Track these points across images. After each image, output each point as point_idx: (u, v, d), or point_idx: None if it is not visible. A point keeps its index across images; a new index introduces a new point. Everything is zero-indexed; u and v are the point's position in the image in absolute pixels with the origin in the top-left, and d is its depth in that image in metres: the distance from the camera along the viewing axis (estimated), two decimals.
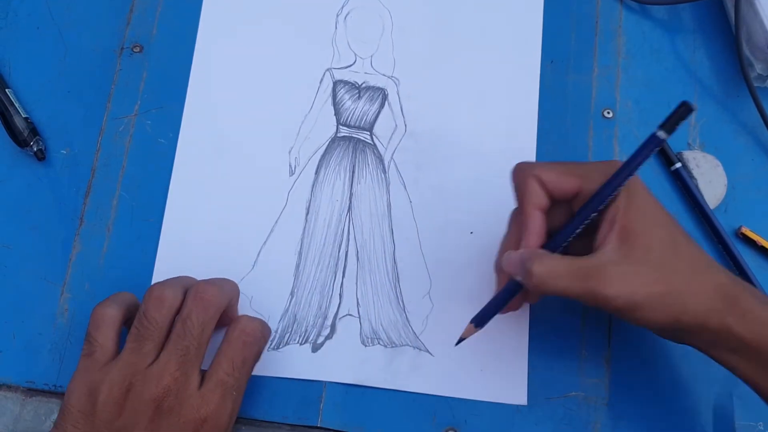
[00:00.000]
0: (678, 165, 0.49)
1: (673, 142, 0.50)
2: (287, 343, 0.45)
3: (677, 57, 0.53)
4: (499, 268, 0.42)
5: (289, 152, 0.49)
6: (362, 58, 0.52)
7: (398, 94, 0.51)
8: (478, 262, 0.47)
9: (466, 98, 0.51)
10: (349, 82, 0.51)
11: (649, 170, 0.50)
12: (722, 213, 0.49)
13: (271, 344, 0.45)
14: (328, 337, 0.45)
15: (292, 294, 0.46)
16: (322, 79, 0.51)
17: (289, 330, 0.45)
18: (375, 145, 0.50)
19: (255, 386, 0.43)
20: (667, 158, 0.50)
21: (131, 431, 0.37)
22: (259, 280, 0.46)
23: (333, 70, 0.51)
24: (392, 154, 0.50)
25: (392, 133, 0.50)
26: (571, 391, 0.45)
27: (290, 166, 0.49)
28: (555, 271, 0.37)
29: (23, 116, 0.49)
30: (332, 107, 0.50)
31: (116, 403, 0.37)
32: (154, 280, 0.46)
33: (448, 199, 0.49)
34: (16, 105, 0.49)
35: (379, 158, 0.49)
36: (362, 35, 0.52)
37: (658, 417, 0.45)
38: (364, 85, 0.51)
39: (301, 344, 0.45)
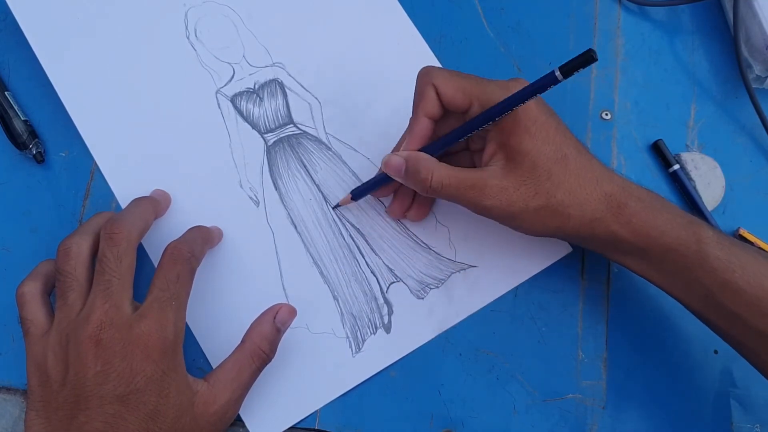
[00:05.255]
0: (676, 167, 0.49)
1: (672, 143, 0.50)
2: (364, 340, 0.46)
3: (676, 58, 0.53)
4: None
5: (241, 186, 0.48)
6: (237, 63, 0.51)
7: (291, 75, 0.51)
8: None
9: (349, 42, 0.52)
10: (243, 92, 0.50)
11: (647, 172, 0.50)
12: (720, 215, 0.49)
13: (354, 350, 0.45)
14: (390, 312, 0.46)
15: (335, 299, 0.46)
16: (219, 105, 0.50)
17: (358, 328, 0.46)
18: (305, 132, 0.50)
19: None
20: (665, 160, 0.50)
21: (84, 377, 0.37)
22: (303, 307, 0.45)
23: (221, 90, 0.50)
24: (324, 129, 0.50)
25: (311, 112, 0.50)
26: (567, 393, 0.45)
27: (251, 198, 0.48)
28: (447, 179, 0.40)
29: (22, 119, 0.49)
30: (246, 123, 0.50)
31: (61, 360, 0.38)
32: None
33: (396, 136, 0.49)
34: (16, 108, 0.49)
35: (317, 140, 0.50)
36: (221, 42, 0.51)
37: (656, 419, 0.45)
38: (257, 87, 0.50)
39: (374, 333, 0.46)
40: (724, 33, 0.53)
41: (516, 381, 0.45)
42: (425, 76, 0.42)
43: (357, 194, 0.46)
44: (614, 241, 0.40)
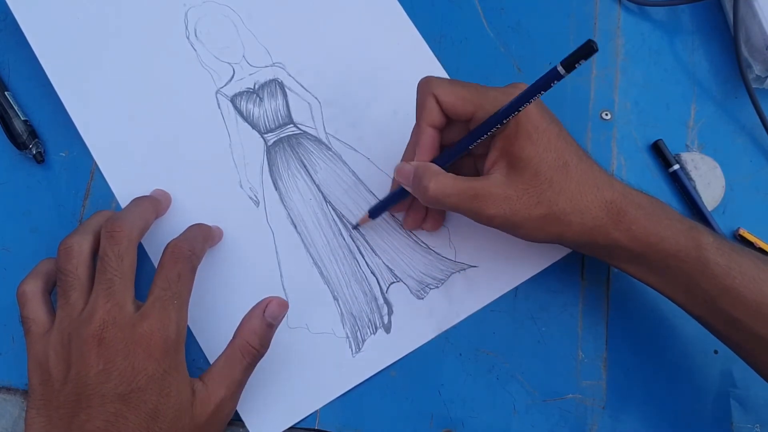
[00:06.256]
0: (676, 167, 0.49)
1: (672, 143, 0.50)
2: (364, 340, 0.46)
3: (676, 58, 0.53)
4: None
5: (241, 187, 0.48)
6: (237, 63, 0.51)
7: (291, 75, 0.51)
8: None
9: (349, 42, 0.52)
10: (243, 92, 0.50)
11: (647, 172, 0.50)
12: (720, 215, 0.49)
13: (354, 350, 0.45)
14: (390, 312, 0.46)
15: (335, 299, 0.46)
16: (219, 105, 0.50)
17: (357, 328, 0.46)
18: (305, 132, 0.50)
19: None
20: (665, 160, 0.50)
21: (86, 374, 0.37)
22: (302, 308, 0.46)
23: (221, 90, 0.50)
24: (324, 129, 0.50)
25: (311, 112, 0.50)
26: (567, 393, 0.45)
27: (251, 198, 0.48)
28: (447, 190, 0.40)
29: (22, 119, 0.49)
30: (246, 123, 0.50)
31: (63, 359, 0.38)
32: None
33: (396, 135, 0.49)
34: (16, 108, 0.49)
35: (317, 140, 0.50)
36: (221, 42, 0.51)
37: (655, 419, 0.45)
38: (257, 87, 0.50)
39: (374, 333, 0.46)
40: (724, 33, 0.53)
41: (516, 381, 0.45)
42: (425, 85, 0.42)
43: (374, 212, 0.46)
44: (614, 248, 0.40)
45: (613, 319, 0.47)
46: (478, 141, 0.41)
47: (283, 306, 0.42)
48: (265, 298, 0.42)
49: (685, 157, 0.50)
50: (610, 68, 0.52)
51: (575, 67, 0.34)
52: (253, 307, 0.42)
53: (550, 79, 0.36)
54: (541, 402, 0.45)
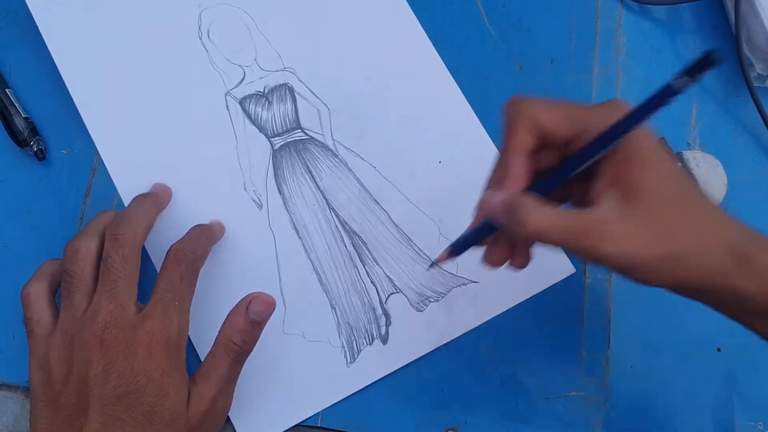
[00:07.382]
0: (677, 165, 0.49)
1: (673, 142, 0.50)
2: (359, 350, 0.45)
3: (677, 57, 0.53)
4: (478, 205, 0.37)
5: (245, 189, 0.48)
6: (248, 65, 0.51)
7: (301, 80, 0.51)
8: (460, 186, 0.48)
9: (360, 50, 0.51)
10: (253, 95, 0.50)
11: None
12: None
13: (348, 360, 0.45)
14: (388, 323, 0.46)
15: (332, 307, 0.46)
16: (228, 107, 0.50)
17: (354, 338, 0.45)
18: (312, 137, 0.50)
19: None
20: None
21: (86, 375, 0.37)
22: (299, 314, 0.46)
23: (230, 92, 0.50)
24: (332, 136, 0.50)
25: (320, 118, 0.50)
26: (570, 391, 0.45)
27: (255, 201, 0.48)
28: (551, 224, 0.33)
29: (23, 116, 0.49)
30: (254, 126, 0.50)
31: (65, 360, 0.38)
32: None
33: (403, 146, 0.49)
34: (16, 105, 0.49)
35: (324, 146, 0.49)
36: (233, 44, 0.51)
37: (658, 417, 0.45)
38: (267, 90, 0.50)
39: (371, 344, 0.45)
40: (726, 32, 0.53)
41: (518, 379, 0.45)
42: (516, 106, 0.35)
43: (456, 249, 0.40)
44: (736, 298, 0.34)
45: (616, 316, 0.47)
46: (583, 166, 0.35)
47: (267, 303, 0.40)
48: (249, 294, 0.41)
49: (687, 155, 0.50)
50: (611, 67, 0.52)
51: (695, 81, 0.29)
52: (237, 304, 0.41)
53: (666, 95, 0.30)
54: (544, 400, 0.45)
